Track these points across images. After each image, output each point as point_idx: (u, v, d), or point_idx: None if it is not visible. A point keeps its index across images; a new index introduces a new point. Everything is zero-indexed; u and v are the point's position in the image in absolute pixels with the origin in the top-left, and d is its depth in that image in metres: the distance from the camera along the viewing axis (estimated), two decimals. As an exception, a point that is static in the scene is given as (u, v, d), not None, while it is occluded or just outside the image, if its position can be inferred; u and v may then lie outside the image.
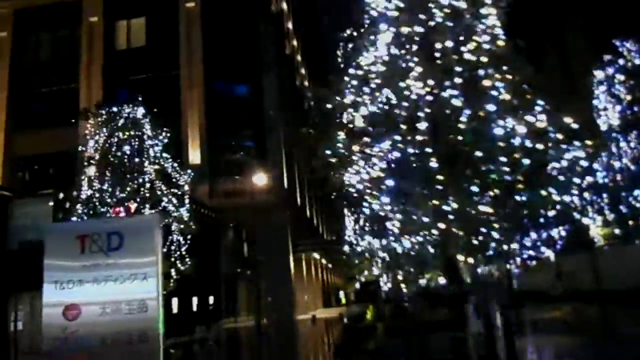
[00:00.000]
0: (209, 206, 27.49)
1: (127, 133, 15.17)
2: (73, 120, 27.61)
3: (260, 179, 31.56)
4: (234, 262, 31.05)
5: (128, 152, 15.08)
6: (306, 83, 52.74)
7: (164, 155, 15.61)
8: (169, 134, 16.11)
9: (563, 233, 7.30)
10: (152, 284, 6.31)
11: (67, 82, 32.16)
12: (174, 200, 15.57)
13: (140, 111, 15.58)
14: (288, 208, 34.24)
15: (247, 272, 32.92)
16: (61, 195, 16.10)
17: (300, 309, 35.86)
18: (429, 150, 6.22)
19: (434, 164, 6.17)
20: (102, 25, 32.92)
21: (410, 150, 6.34)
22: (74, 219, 14.68)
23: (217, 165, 31.75)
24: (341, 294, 49.02)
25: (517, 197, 6.42)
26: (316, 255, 42.77)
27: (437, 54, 6.60)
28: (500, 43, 6.90)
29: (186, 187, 15.89)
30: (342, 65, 9.01)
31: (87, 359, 6.19)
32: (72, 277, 6.43)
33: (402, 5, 6.96)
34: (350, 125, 7.26)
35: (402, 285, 13.83)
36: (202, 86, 32.19)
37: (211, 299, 28.89)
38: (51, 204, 24.84)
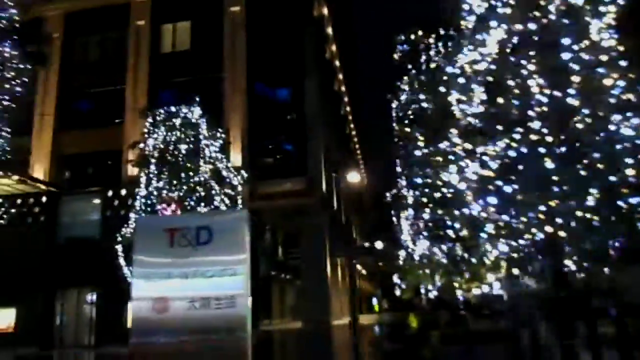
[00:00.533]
0: (249, 208, 27.62)
1: (183, 133, 15.36)
2: (118, 120, 28.25)
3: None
4: (270, 264, 31.16)
5: (184, 152, 15.25)
6: (343, 88, 52.74)
7: (219, 155, 15.74)
8: (223, 135, 16.25)
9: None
10: (241, 280, 6.31)
11: (113, 83, 32.89)
12: (226, 200, 15.68)
13: (197, 111, 15.76)
14: (326, 212, 34.19)
15: (282, 276, 32.97)
16: (110, 193, 16.35)
17: (335, 314, 35.65)
18: (543, 150, 6.05)
19: (549, 164, 5.99)
20: (148, 28, 33.62)
21: (524, 150, 6.17)
22: (132, 215, 14.91)
23: (258, 167, 31.94)
24: (374, 300, 48.71)
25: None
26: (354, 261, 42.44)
27: (552, 52, 6.43)
28: (619, 41, 6.68)
29: (239, 188, 15.99)
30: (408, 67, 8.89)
31: (176, 353, 6.22)
32: (161, 270, 6.48)
33: (512, 2, 6.81)
34: (463, 123, 7.13)
35: (459, 292, 13.62)
36: (244, 89, 32.54)
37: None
38: (98, 200, 25.39)
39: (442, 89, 13.35)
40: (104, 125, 30.37)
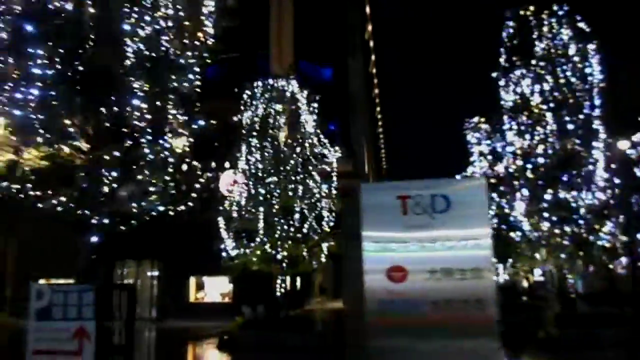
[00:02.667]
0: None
1: (283, 107, 15.08)
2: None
3: (345, 163, 31.40)
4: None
5: (283, 125, 14.98)
6: (374, 70, 52.27)
7: (317, 131, 15.47)
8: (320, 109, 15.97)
9: None
10: (485, 253, 6.03)
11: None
12: (316, 177, 15.45)
13: (295, 84, 15.46)
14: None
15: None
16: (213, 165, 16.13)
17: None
18: None
19: None
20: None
21: None
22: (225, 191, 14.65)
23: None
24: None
25: None
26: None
27: None
28: None
29: (334, 164, 15.74)
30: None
31: (418, 324, 5.99)
32: (394, 237, 6.19)
33: None
34: None
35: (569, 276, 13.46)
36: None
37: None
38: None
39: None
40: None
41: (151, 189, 7.50)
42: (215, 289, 23.12)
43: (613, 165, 14.32)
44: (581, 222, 12.45)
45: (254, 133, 14.51)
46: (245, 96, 15.16)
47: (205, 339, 15.86)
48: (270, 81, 15.16)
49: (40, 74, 6.40)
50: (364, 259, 6.35)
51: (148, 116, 7.19)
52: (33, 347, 5.93)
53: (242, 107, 15.23)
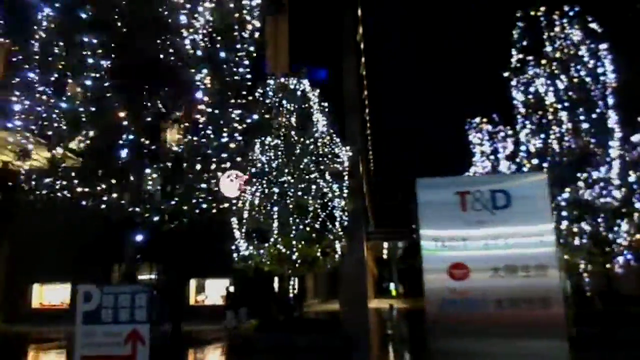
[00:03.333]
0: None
1: (294, 104, 14.82)
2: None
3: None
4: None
5: (295, 123, 14.74)
6: (363, 72, 52.30)
7: (330, 129, 15.25)
8: (330, 108, 15.76)
9: None
10: (550, 250, 5.89)
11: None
12: (327, 177, 15.22)
13: (306, 82, 15.22)
14: (361, 194, 33.97)
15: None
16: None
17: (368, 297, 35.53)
18: None
19: None
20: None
21: None
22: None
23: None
24: (391, 285, 48.69)
25: None
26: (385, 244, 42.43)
27: None
28: None
29: (346, 163, 15.53)
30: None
31: (484, 323, 5.82)
32: (454, 234, 6.02)
33: None
34: None
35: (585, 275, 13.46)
36: (287, 68, 31.91)
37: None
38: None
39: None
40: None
41: (203, 185, 7.18)
42: (217, 291, 22.67)
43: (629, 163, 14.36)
44: (599, 220, 12.50)
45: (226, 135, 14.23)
46: (257, 94, 14.85)
47: (212, 343, 15.49)
48: (282, 79, 14.92)
49: (93, 64, 6.06)
50: (423, 258, 6.17)
51: (209, 110, 6.89)
52: (80, 353, 5.58)
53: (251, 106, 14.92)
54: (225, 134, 7.38)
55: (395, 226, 46.28)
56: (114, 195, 6.48)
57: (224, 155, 7.46)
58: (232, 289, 20.02)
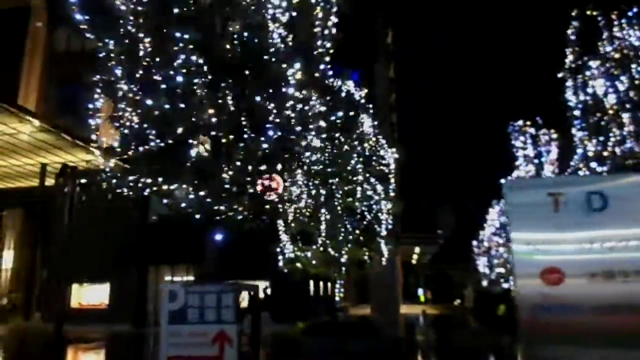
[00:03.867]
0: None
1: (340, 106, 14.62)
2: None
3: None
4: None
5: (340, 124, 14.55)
6: (393, 75, 52.03)
7: (375, 131, 15.07)
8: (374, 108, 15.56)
9: None
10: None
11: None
12: (372, 180, 15.04)
13: (351, 84, 15.07)
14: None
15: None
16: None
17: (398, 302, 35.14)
18: None
19: None
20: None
21: None
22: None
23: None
24: (420, 291, 48.02)
25: None
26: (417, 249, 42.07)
27: None
28: None
29: (392, 165, 15.33)
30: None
31: (577, 330, 5.55)
32: (547, 237, 5.77)
33: None
34: None
35: None
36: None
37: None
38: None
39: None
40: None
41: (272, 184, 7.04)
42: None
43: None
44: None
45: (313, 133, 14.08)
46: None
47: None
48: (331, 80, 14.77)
49: (184, 60, 5.97)
50: (514, 262, 5.95)
51: (299, 106, 6.79)
52: (167, 353, 5.47)
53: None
54: (312, 132, 7.26)
55: (419, 231, 45.83)
56: (201, 193, 6.37)
57: (307, 153, 7.33)
58: (269, 291, 19.93)
